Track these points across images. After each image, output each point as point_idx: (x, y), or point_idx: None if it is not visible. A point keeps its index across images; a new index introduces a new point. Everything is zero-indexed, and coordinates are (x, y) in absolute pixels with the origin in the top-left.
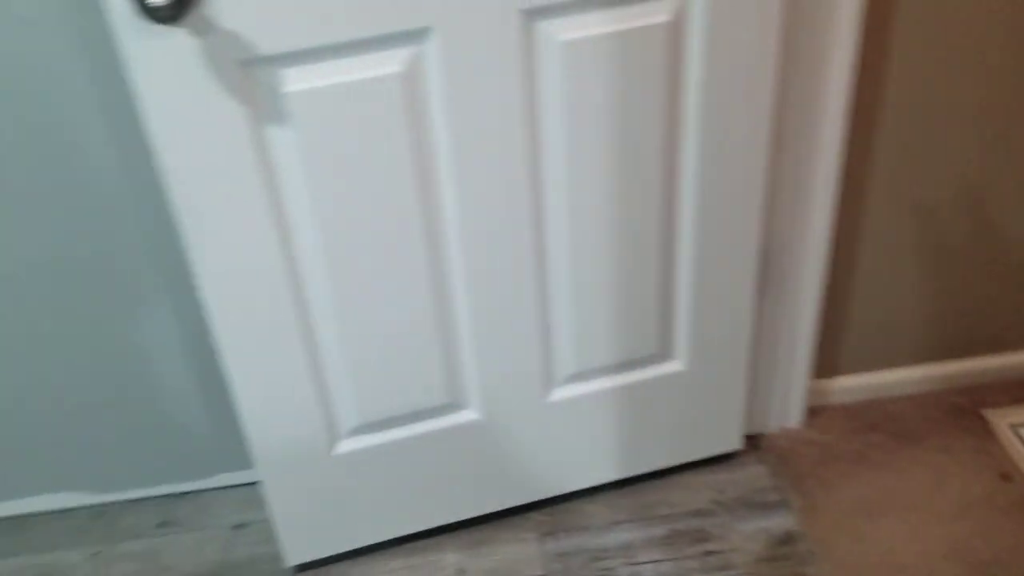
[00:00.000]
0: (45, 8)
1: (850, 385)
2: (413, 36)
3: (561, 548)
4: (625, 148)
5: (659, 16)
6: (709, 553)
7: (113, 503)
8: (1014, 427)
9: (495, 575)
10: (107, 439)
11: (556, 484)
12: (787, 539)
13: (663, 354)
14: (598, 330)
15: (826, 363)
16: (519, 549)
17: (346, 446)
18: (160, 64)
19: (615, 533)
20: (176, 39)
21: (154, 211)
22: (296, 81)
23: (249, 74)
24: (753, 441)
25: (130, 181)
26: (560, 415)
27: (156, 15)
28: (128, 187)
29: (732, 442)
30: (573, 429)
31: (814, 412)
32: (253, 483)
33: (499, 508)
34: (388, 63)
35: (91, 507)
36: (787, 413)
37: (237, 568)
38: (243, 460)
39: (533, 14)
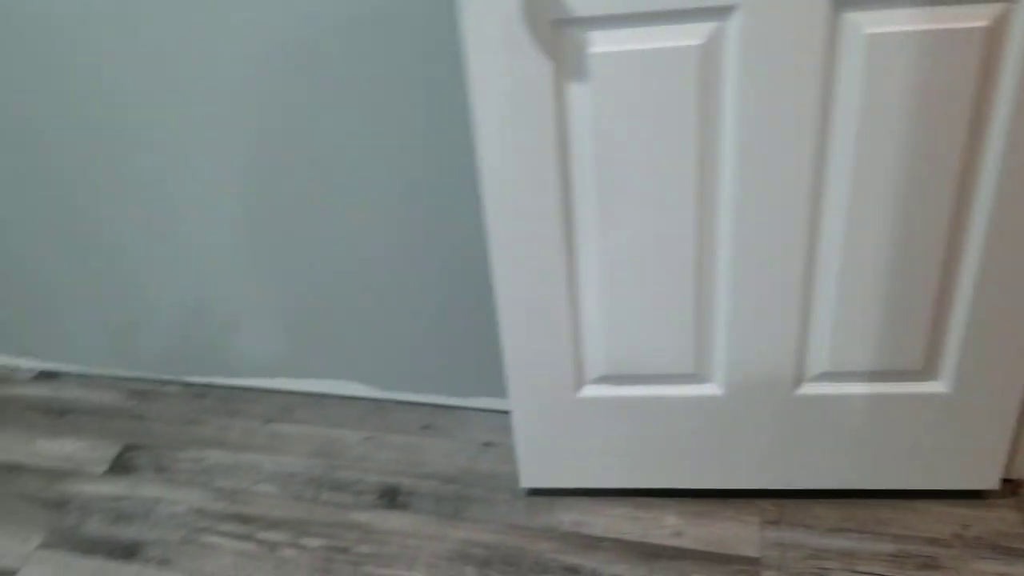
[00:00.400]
0: None
1: None
2: (717, 12)
3: (781, 538)
4: (918, 153)
5: (977, 21)
6: None
7: (389, 400)
8: None
9: (710, 545)
10: (400, 345)
11: (787, 478)
12: None
13: (926, 372)
14: (860, 333)
15: None
16: (739, 529)
17: (590, 391)
18: (487, 15)
19: (840, 538)
20: None
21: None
22: (601, 43)
23: (560, 33)
24: (1011, 486)
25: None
26: (805, 411)
27: None
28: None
29: (987, 480)
30: (816, 428)
31: None
32: (505, 412)
33: (726, 487)
34: (689, 36)
35: (373, 400)
36: None
37: (479, 478)
38: (500, 389)
39: (843, 3)
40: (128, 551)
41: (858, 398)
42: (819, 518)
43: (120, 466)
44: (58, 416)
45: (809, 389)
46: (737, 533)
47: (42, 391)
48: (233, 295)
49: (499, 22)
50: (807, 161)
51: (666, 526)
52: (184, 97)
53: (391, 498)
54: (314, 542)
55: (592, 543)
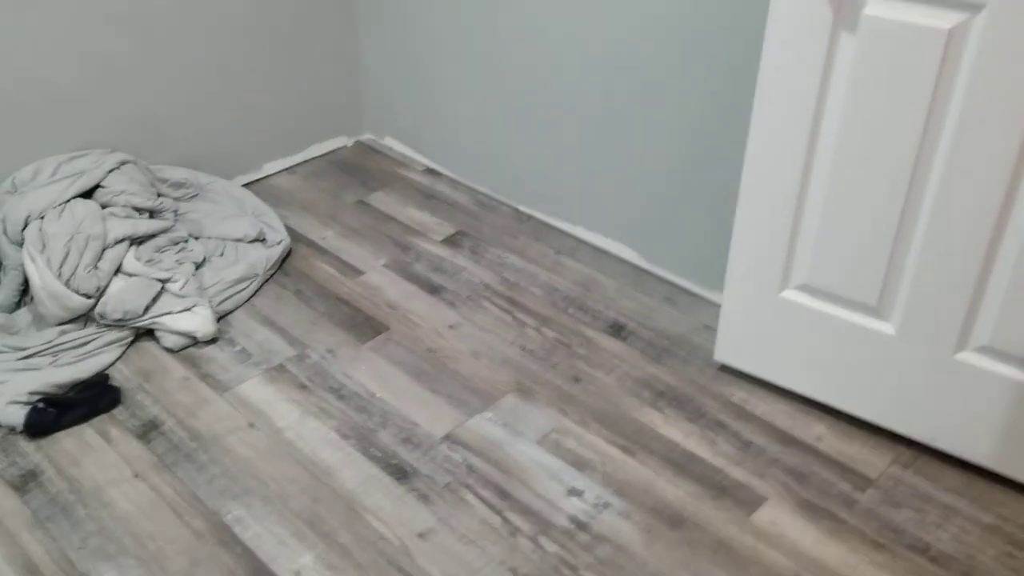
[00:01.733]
0: None
1: None
2: (970, 6)
3: (902, 476)
4: None
5: None
6: None
7: (650, 271)
8: None
9: (840, 456)
10: (672, 232)
11: (931, 434)
12: None
13: None
14: None
15: None
16: (871, 456)
17: (790, 295)
18: None
19: (950, 497)
20: None
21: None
22: (872, 8)
23: None
24: None
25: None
26: (961, 377)
27: None
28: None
29: None
30: (967, 398)
31: None
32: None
33: (875, 421)
34: (942, 20)
35: (638, 266)
36: None
37: (687, 345)
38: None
39: None
40: (433, 289)
41: (1012, 382)
42: (943, 477)
43: (450, 241)
44: (427, 198)
45: (968, 357)
46: (867, 458)
47: (424, 180)
48: (575, 156)
49: None
50: (1014, 152)
51: (813, 431)
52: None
53: (616, 330)
54: (550, 333)
55: (746, 416)
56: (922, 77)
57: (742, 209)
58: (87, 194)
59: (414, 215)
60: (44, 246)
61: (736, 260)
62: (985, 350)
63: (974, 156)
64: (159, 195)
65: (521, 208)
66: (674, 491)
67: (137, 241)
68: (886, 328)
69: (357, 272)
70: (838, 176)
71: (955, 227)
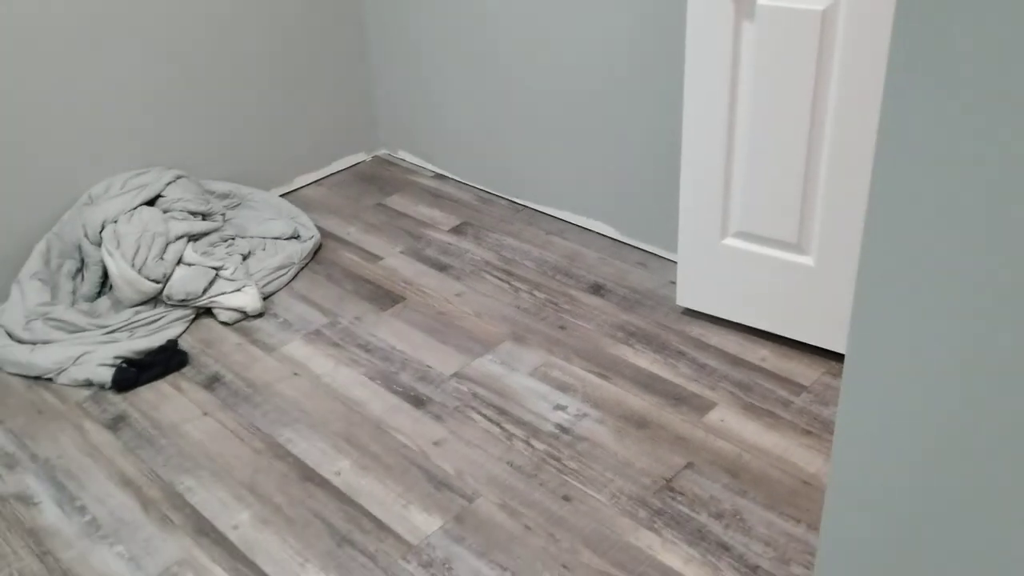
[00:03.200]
0: None
1: None
2: None
3: (833, 383)
4: None
5: None
6: None
7: (626, 243)
8: None
9: (780, 371)
10: (640, 207)
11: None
12: None
13: None
14: None
15: None
16: (806, 369)
17: (730, 242)
18: None
19: None
20: None
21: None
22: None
23: None
24: None
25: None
26: None
27: None
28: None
29: None
30: None
31: None
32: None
33: (809, 341)
34: (815, 3)
35: (615, 239)
36: None
37: (656, 297)
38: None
39: None
40: (442, 267)
41: None
42: None
43: (456, 230)
44: (435, 198)
45: None
46: (803, 371)
47: (433, 183)
48: (561, 152)
49: None
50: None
51: (758, 353)
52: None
53: (596, 289)
54: (540, 294)
55: (703, 346)
56: (808, 49)
57: (684, 174)
58: (150, 203)
59: (424, 211)
60: (119, 243)
61: (684, 217)
62: None
63: (856, 109)
64: (209, 202)
65: (516, 200)
66: (640, 402)
67: (193, 238)
68: (807, 260)
69: (377, 258)
70: (754, 138)
71: (847, 172)
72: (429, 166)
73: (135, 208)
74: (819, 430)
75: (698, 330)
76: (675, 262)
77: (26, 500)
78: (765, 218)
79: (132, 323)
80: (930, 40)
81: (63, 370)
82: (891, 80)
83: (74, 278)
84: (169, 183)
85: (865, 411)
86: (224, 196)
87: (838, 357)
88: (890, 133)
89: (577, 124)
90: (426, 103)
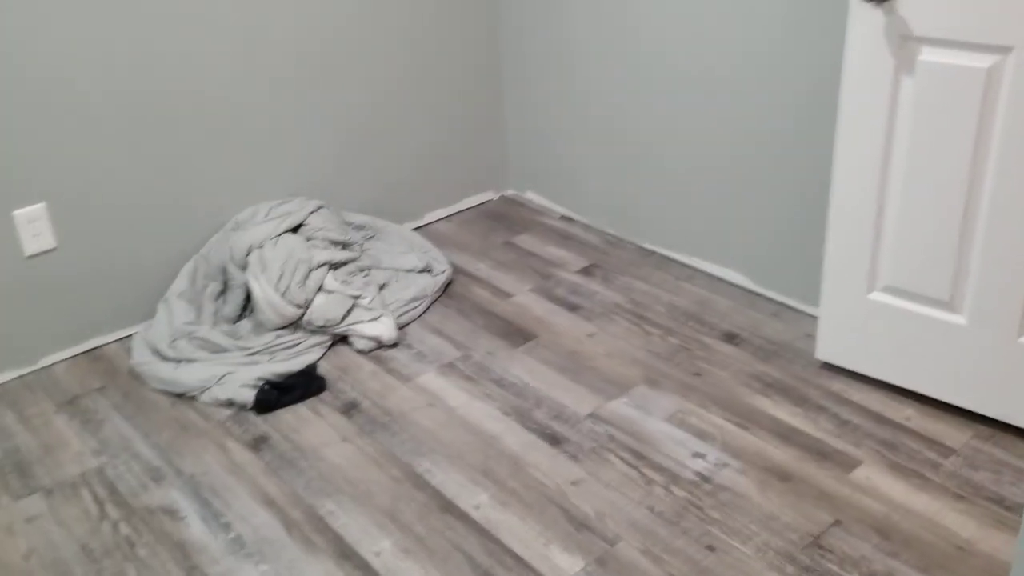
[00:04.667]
0: None
1: None
2: (999, 48)
3: (981, 447)
4: None
5: None
6: None
7: (759, 292)
8: None
9: (927, 432)
10: (774, 258)
11: (1005, 411)
12: None
13: None
14: None
15: None
16: (954, 432)
17: (877, 296)
18: (862, 24)
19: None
20: (876, 14)
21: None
22: (928, 54)
23: (904, 43)
24: None
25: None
26: None
27: (872, 1)
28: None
29: None
30: None
31: None
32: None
33: (956, 403)
34: (980, 61)
35: (748, 289)
36: None
37: (791, 349)
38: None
39: None
40: (572, 307)
41: None
42: (1016, 447)
43: (585, 271)
44: (563, 239)
45: None
46: (950, 433)
47: (560, 225)
48: (692, 199)
49: (869, 33)
50: None
51: (903, 412)
52: (688, 57)
53: (730, 338)
54: (673, 340)
55: (844, 401)
56: (970, 106)
57: (832, 227)
58: (294, 230)
59: (553, 252)
60: (264, 268)
61: (830, 270)
62: None
63: (1017, 167)
64: (348, 232)
65: (644, 245)
66: (782, 455)
67: (334, 267)
68: (959, 319)
69: (507, 295)
70: (908, 193)
71: (1009, 229)
72: (557, 207)
73: (280, 235)
74: (971, 495)
75: (839, 385)
76: (811, 315)
77: (173, 514)
78: (916, 274)
79: (273, 346)
80: None
81: (206, 389)
82: None
83: (217, 299)
84: (311, 212)
85: None
86: (360, 228)
87: (986, 420)
88: None
89: (713, 171)
90: (556, 145)
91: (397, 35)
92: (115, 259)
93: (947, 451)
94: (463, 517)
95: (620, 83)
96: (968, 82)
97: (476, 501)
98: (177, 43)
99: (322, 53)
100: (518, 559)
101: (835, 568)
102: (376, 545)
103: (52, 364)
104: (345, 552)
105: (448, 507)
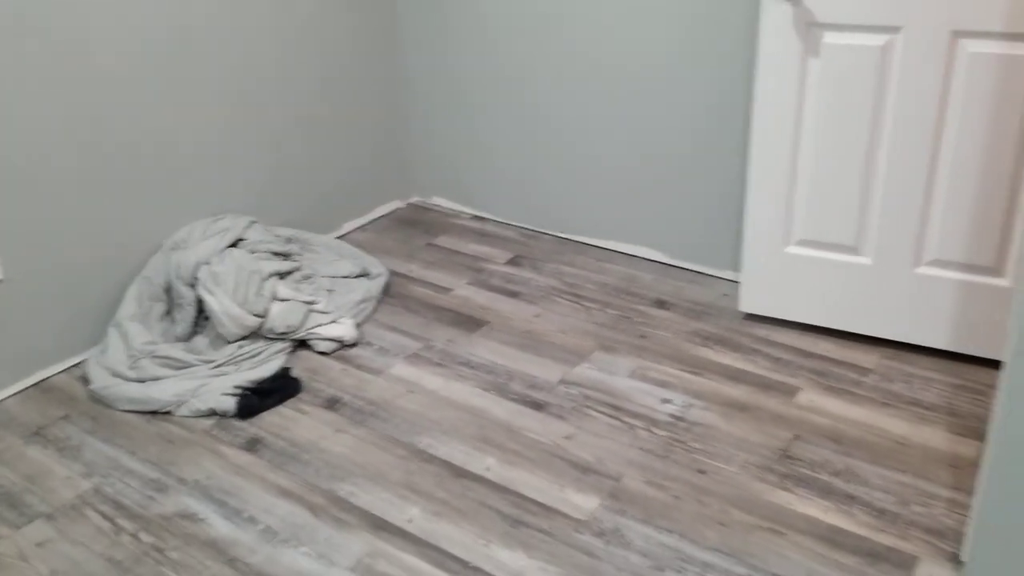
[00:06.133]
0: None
1: None
2: (890, 29)
3: (891, 365)
4: (990, 127)
5: None
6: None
7: (673, 265)
8: None
9: (843, 357)
10: (684, 230)
11: (905, 333)
12: None
13: (997, 269)
14: (958, 234)
15: None
16: (865, 355)
17: (793, 250)
18: (774, 14)
19: (931, 372)
20: (783, 6)
21: (745, 94)
22: (830, 38)
23: (810, 29)
24: None
25: (743, 72)
26: (921, 286)
27: None
28: (741, 75)
29: None
30: (927, 301)
31: None
32: (736, 281)
33: (865, 332)
34: (874, 40)
35: (663, 263)
36: None
37: (716, 307)
38: (737, 265)
39: (959, 33)
40: (512, 294)
41: (956, 281)
42: (920, 361)
43: (512, 262)
44: (481, 236)
45: (924, 270)
46: (865, 357)
47: (474, 224)
48: (603, 187)
49: (780, 22)
50: (932, 125)
51: (822, 346)
52: (615, 44)
53: (661, 304)
54: (612, 311)
55: (772, 343)
56: (867, 79)
57: (751, 193)
58: (234, 245)
59: (476, 248)
60: (218, 282)
61: (750, 231)
62: (934, 262)
63: (907, 129)
64: (285, 244)
65: (560, 235)
66: (735, 391)
67: (281, 276)
68: (864, 260)
69: (447, 290)
70: (817, 158)
71: (901, 182)
72: (467, 209)
73: (224, 249)
74: (893, 402)
75: (764, 331)
76: (723, 278)
77: (190, 517)
78: (826, 226)
79: (236, 357)
80: None
81: (183, 402)
82: None
83: (163, 320)
84: (246, 227)
85: None
86: (289, 240)
87: (892, 343)
88: None
89: (620, 161)
90: (461, 150)
91: (309, 62)
92: (59, 288)
93: (865, 371)
94: (478, 479)
95: (524, 81)
96: (865, 59)
97: (485, 464)
98: (110, 75)
99: (243, 82)
100: (540, 505)
101: (807, 471)
102: (405, 513)
103: (2, 400)
104: (378, 524)
105: (461, 473)
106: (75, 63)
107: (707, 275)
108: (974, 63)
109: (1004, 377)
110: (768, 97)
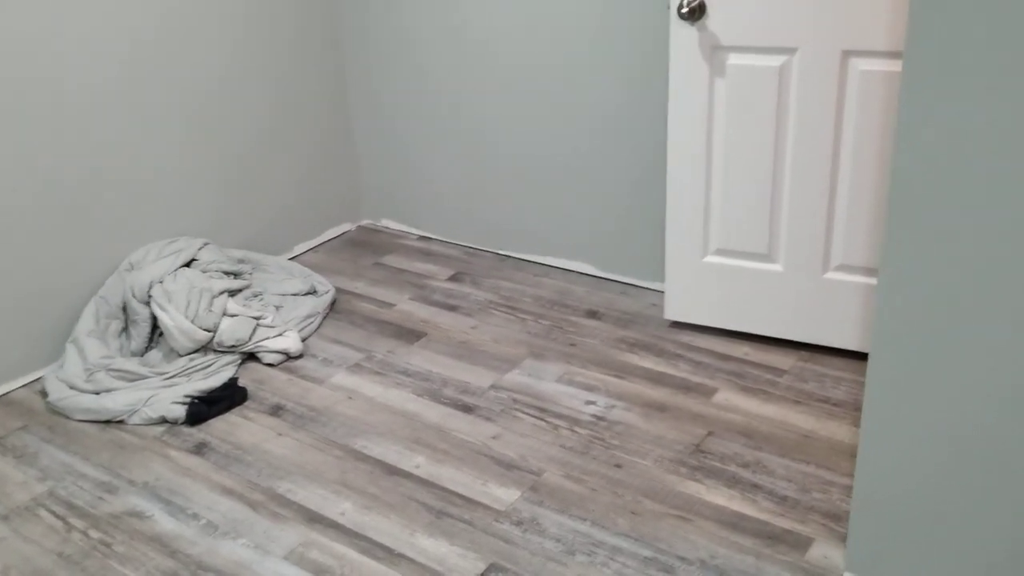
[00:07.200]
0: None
1: None
2: (786, 51)
3: (805, 367)
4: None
5: None
6: None
7: (605, 277)
8: None
9: (761, 360)
10: (615, 244)
11: (818, 335)
12: None
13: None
14: (858, 239)
15: None
16: (782, 358)
17: (710, 259)
18: (681, 38)
19: (844, 372)
20: (691, 30)
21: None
22: (734, 59)
23: (715, 52)
24: None
25: (656, 91)
26: (829, 290)
27: (686, 18)
28: (655, 94)
29: None
30: (836, 304)
31: None
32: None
33: (780, 336)
34: (773, 61)
35: (596, 276)
36: None
37: (644, 316)
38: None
39: (848, 53)
40: (451, 307)
41: (862, 285)
42: (831, 361)
43: (453, 278)
44: (426, 255)
45: (832, 275)
46: (780, 359)
47: (420, 244)
48: (538, 206)
49: (688, 45)
50: (830, 130)
51: (741, 349)
52: (528, 57)
53: (592, 314)
54: (544, 322)
55: (694, 348)
56: (769, 96)
57: (669, 207)
58: (187, 265)
59: (420, 266)
60: (170, 299)
61: (670, 243)
62: (841, 267)
63: (808, 142)
64: (237, 263)
65: (500, 252)
66: (656, 393)
67: (231, 293)
68: (776, 267)
69: (390, 305)
70: (728, 171)
71: (805, 192)
72: (413, 230)
73: (177, 269)
74: (805, 400)
75: (687, 337)
76: (651, 289)
77: (138, 515)
78: (740, 235)
79: (188, 369)
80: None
81: (135, 411)
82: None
83: (119, 336)
84: (200, 248)
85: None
86: (240, 261)
87: (806, 346)
88: (907, 143)
89: (554, 180)
90: (407, 175)
91: (261, 90)
92: (18, 306)
93: (780, 372)
94: (408, 475)
95: (459, 108)
96: (766, 78)
97: (415, 462)
98: (68, 108)
99: (197, 109)
100: (464, 498)
101: (717, 464)
102: (338, 507)
103: None
104: (312, 517)
105: (392, 470)
106: (33, 96)
107: (636, 286)
108: (864, 80)
109: (871, 365)
110: (679, 116)
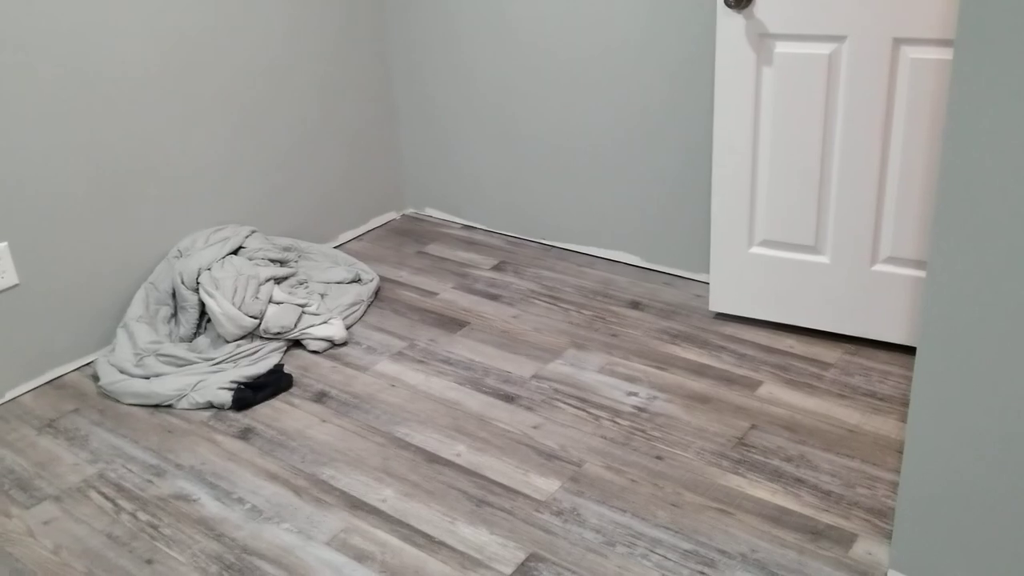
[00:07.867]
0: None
1: None
2: (836, 39)
3: (852, 360)
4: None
5: None
6: None
7: (650, 268)
8: None
9: (807, 353)
10: (660, 234)
11: (864, 328)
12: None
13: None
14: (908, 231)
15: None
16: (828, 351)
17: (756, 250)
18: (728, 26)
19: (891, 366)
20: (737, 17)
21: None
22: (782, 47)
23: (762, 40)
24: None
25: (703, 79)
26: (878, 283)
27: (733, 6)
28: (703, 81)
29: None
30: (884, 297)
31: None
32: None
33: (827, 328)
34: (822, 49)
35: (641, 267)
36: None
37: (687, 307)
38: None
39: (900, 40)
40: (493, 297)
41: (911, 278)
42: (878, 355)
43: (496, 268)
44: (469, 244)
45: (881, 267)
46: (826, 352)
47: (463, 233)
48: (583, 195)
49: (734, 34)
50: (880, 119)
51: (786, 342)
52: (577, 62)
53: (634, 305)
54: (587, 312)
55: (738, 340)
56: (817, 85)
57: (715, 197)
58: (234, 252)
59: (463, 255)
60: (218, 286)
61: (716, 234)
62: (889, 260)
63: (857, 132)
64: (283, 251)
65: (544, 242)
66: (698, 385)
67: (277, 281)
68: (823, 259)
69: (433, 294)
70: (774, 161)
71: (854, 183)
72: (457, 219)
73: (225, 257)
74: (850, 394)
75: (731, 329)
76: (695, 280)
77: (185, 498)
78: (786, 226)
79: (235, 355)
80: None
81: (183, 396)
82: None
83: (169, 322)
84: (247, 236)
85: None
86: (286, 249)
87: (852, 339)
88: (956, 135)
89: (598, 170)
90: (452, 164)
91: (306, 80)
92: (71, 292)
93: (826, 365)
94: (449, 464)
95: (510, 97)
96: (815, 66)
97: (456, 451)
98: (117, 100)
99: (245, 100)
100: (505, 487)
101: (760, 457)
102: (380, 494)
103: (18, 396)
104: (354, 503)
105: (433, 458)
106: (84, 90)
107: (681, 277)
108: (915, 68)
109: (918, 361)
110: (726, 105)
